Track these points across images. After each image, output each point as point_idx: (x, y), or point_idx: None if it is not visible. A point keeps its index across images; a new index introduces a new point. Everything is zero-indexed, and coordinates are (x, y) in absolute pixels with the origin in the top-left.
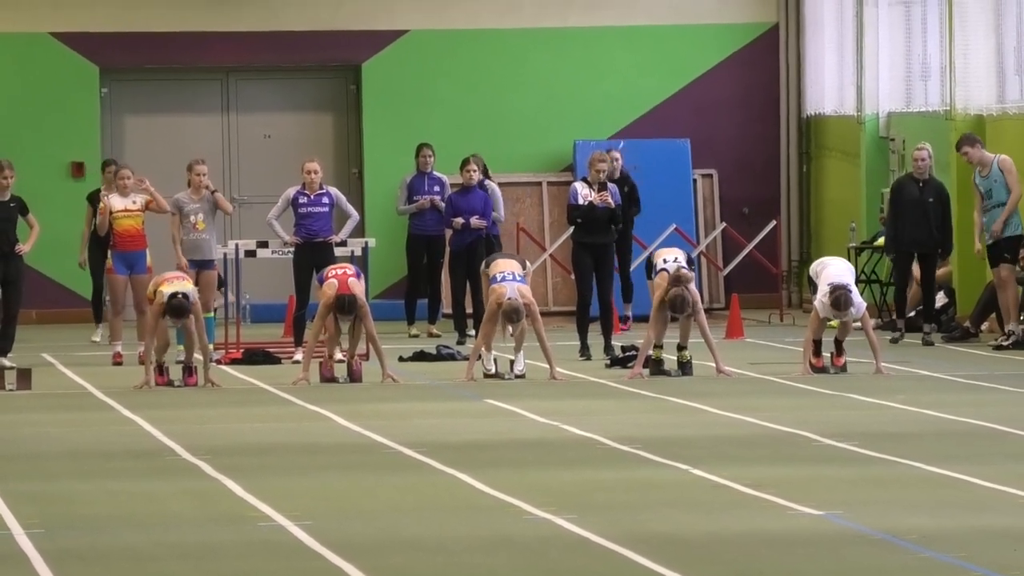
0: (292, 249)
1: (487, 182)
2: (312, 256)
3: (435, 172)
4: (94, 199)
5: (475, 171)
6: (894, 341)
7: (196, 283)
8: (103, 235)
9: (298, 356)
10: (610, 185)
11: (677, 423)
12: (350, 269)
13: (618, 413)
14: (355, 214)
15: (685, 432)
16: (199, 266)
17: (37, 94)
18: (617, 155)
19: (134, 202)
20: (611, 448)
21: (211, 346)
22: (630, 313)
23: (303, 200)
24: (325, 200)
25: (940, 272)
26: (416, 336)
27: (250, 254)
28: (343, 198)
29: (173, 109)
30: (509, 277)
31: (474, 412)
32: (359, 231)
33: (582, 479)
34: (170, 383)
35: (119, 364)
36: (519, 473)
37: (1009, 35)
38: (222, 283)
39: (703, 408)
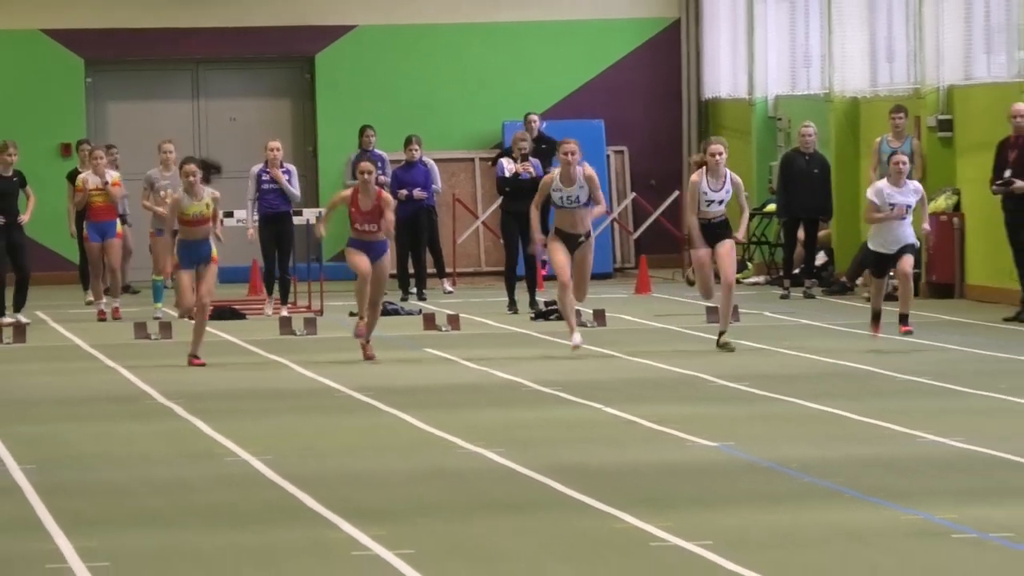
0: (256, 220)
1: (426, 158)
2: (274, 227)
3: (376, 150)
4: (73, 177)
5: (417, 149)
6: (783, 298)
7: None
8: (80, 210)
9: (269, 310)
10: (532, 159)
11: (592, 368)
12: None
13: (541, 360)
14: (297, 194)
15: (599, 376)
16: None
17: (30, 84)
18: (536, 119)
19: (106, 182)
20: (534, 390)
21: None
22: (548, 257)
23: (265, 177)
24: (284, 177)
25: (821, 234)
26: None
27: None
28: (295, 177)
29: (150, 96)
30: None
31: (415, 360)
32: (315, 202)
33: (509, 418)
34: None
35: (103, 320)
36: (454, 413)
37: (881, 26)
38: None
39: (615, 355)
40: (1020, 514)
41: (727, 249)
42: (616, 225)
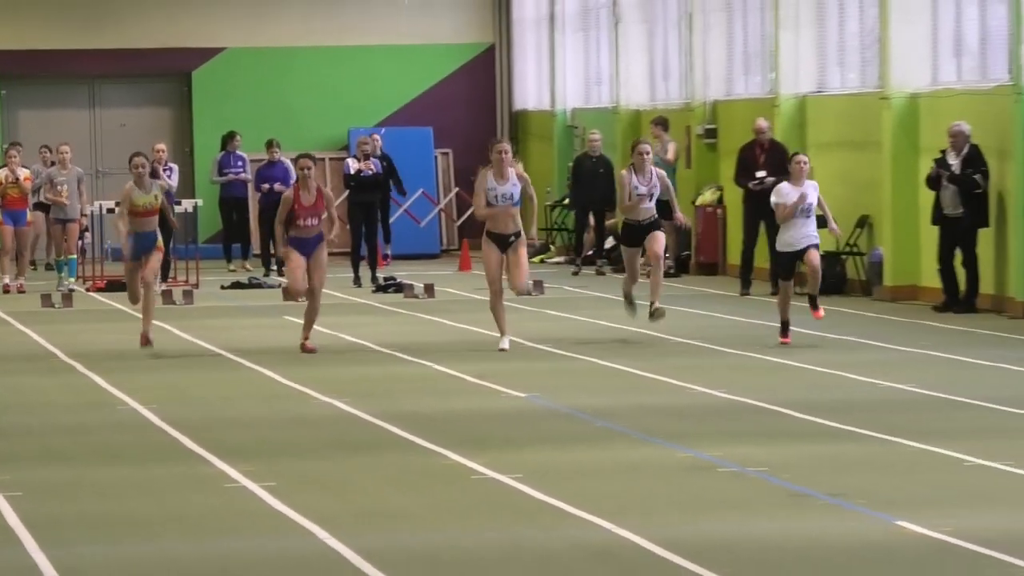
0: None
1: (284, 158)
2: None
3: (239, 151)
4: None
5: (277, 151)
6: (575, 274)
7: (64, 234)
8: None
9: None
10: (372, 158)
11: (424, 332)
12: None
13: (381, 326)
14: (172, 186)
15: (430, 339)
16: (65, 221)
17: None
18: (378, 138)
19: (17, 177)
20: (376, 351)
21: (72, 280)
22: (389, 251)
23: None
24: (166, 173)
25: (610, 223)
26: (233, 271)
27: (110, 211)
28: (176, 173)
29: (54, 106)
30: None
31: (275, 326)
32: (191, 193)
33: (355, 373)
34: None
35: (7, 293)
36: (309, 369)
37: (658, 51)
38: (85, 231)
39: (443, 321)
40: (774, 452)
41: (656, 237)
42: (442, 214)
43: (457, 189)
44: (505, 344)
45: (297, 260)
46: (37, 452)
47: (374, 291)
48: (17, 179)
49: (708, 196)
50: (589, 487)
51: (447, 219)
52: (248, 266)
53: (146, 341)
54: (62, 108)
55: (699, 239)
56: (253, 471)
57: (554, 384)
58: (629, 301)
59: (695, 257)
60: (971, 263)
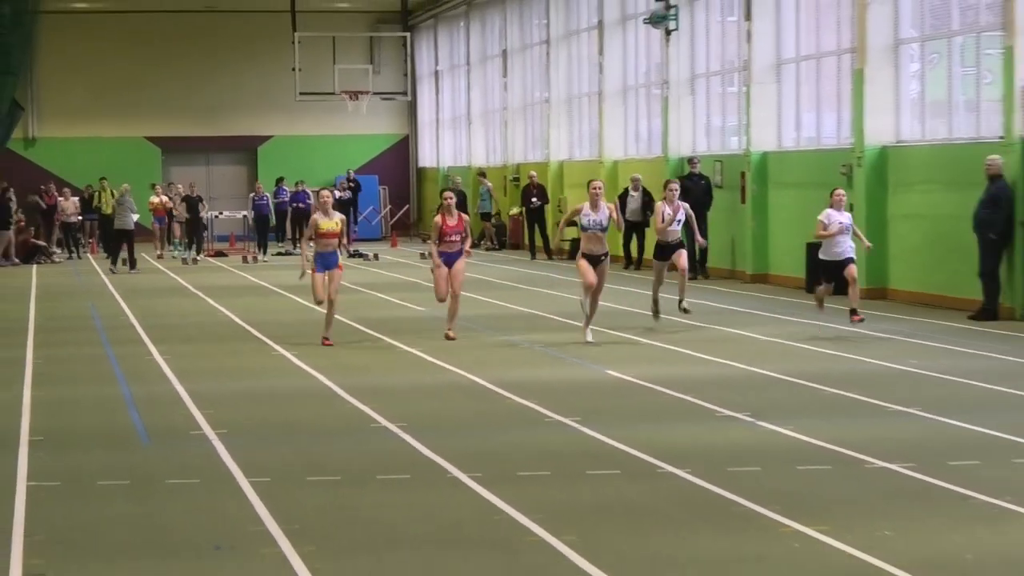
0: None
1: (307, 188)
2: (263, 218)
3: (283, 187)
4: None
5: (302, 185)
6: (488, 250)
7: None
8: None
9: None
10: (346, 191)
11: (373, 278)
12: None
13: (353, 275)
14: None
15: (376, 281)
16: (192, 217)
17: (137, 160)
18: (351, 172)
19: (162, 200)
20: (352, 288)
21: (190, 251)
22: (356, 232)
23: (257, 199)
24: (264, 199)
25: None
26: (278, 250)
27: (216, 216)
28: (269, 199)
29: (187, 164)
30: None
31: (292, 276)
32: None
33: (340, 300)
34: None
35: (160, 259)
36: (350, 311)
37: (491, 137)
38: (205, 227)
39: (382, 272)
40: (548, 336)
41: (681, 253)
42: (383, 221)
43: (390, 206)
44: (589, 337)
45: (441, 272)
46: (179, 336)
47: (349, 257)
48: (162, 201)
49: (515, 210)
50: (459, 355)
51: (385, 221)
52: (281, 246)
53: (326, 342)
54: (191, 166)
55: (510, 231)
56: (289, 348)
57: (443, 306)
58: (655, 307)
59: (509, 241)
60: (640, 245)
